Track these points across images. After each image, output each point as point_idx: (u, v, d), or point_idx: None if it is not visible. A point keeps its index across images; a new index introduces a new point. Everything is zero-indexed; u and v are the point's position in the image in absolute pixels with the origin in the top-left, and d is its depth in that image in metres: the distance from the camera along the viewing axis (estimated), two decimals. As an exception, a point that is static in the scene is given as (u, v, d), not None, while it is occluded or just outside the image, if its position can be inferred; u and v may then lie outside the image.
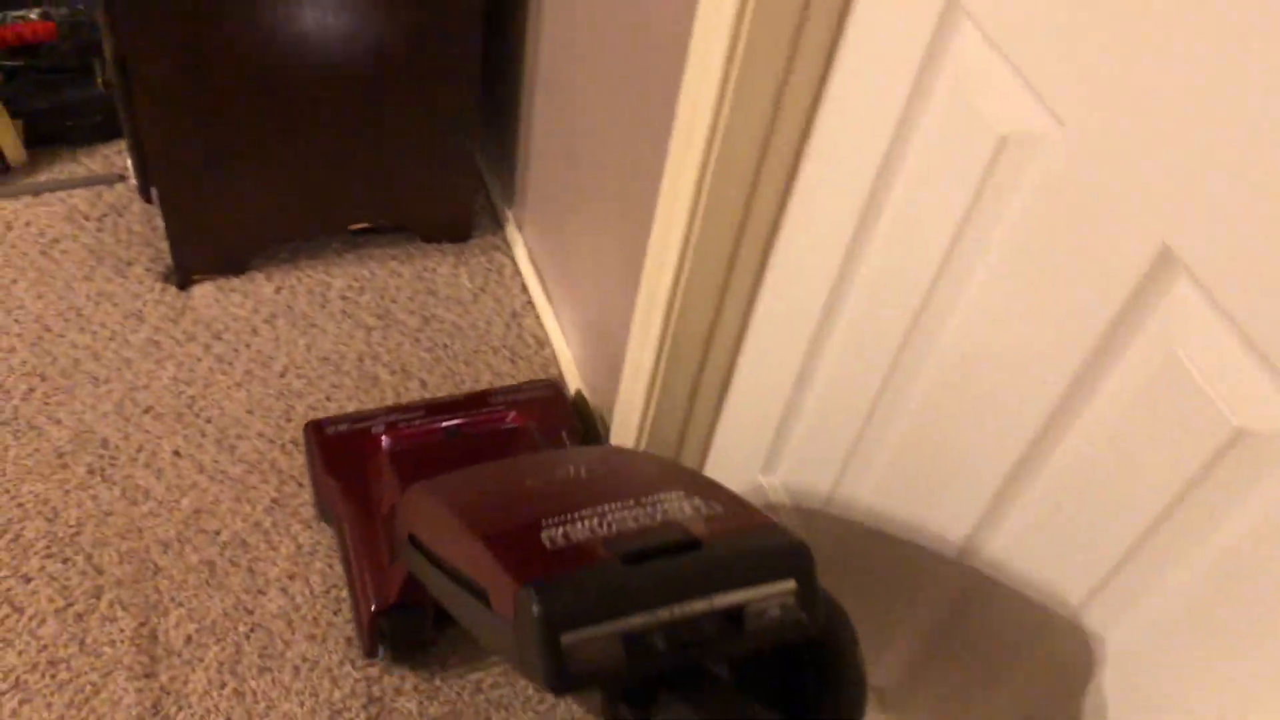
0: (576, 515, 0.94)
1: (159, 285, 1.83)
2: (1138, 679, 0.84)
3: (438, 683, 1.44)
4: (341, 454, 1.52)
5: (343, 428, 1.55)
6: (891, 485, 1.14)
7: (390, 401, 1.73)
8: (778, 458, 1.39)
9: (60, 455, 1.60)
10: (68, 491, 1.56)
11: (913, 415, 1.07)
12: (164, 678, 1.41)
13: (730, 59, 1.13)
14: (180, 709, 1.38)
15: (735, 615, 0.87)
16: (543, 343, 1.85)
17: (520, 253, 1.96)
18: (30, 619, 1.43)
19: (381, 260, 1.93)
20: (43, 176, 1.95)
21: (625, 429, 1.56)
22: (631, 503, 0.97)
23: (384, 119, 1.76)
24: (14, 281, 1.80)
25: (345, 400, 1.72)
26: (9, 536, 1.50)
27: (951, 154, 0.94)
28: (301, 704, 1.40)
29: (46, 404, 1.65)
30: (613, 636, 0.83)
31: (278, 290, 1.85)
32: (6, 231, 1.86)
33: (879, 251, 1.09)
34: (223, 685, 1.41)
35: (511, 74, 1.89)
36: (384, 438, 1.54)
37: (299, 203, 1.81)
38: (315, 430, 1.55)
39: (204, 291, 1.84)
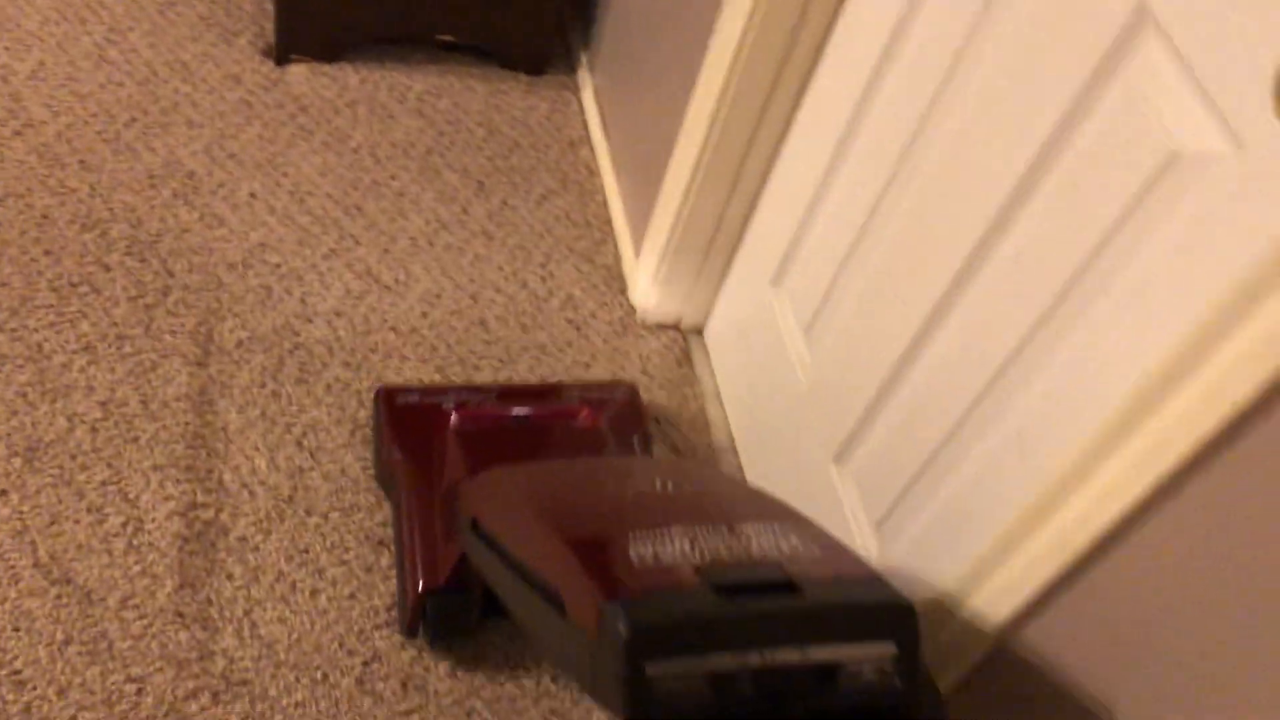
0: (666, 533, 0.88)
1: (259, 58, 2.01)
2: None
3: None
4: (409, 426, 1.48)
5: (413, 399, 1.51)
6: (879, 283, 1.28)
7: (453, 199, 1.89)
8: (785, 273, 1.55)
9: (151, 176, 1.78)
10: (153, 207, 1.74)
11: (905, 214, 1.22)
12: (213, 369, 1.58)
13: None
14: (223, 396, 1.55)
15: (828, 672, 0.81)
16: (593, 172, 2.01)
17: (587, 93, 2.12)
18: (106, 299, 1.61)
19: (461, 75, 2.10)
20: (167, -50, 2.13)
21: (656, 237, 1.72)
22: (724, 528, 0.91)
23: (488, -60, 1.92)
24: (130, 29, 1.98)
25: (409, 182, 1.89)
26: (97, 232, 1.68)
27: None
28: (329, 415, 1.57)
29: (144, 133, 1.83)
30: (700, 673, 0.77)
31: (363, 81, 2.02)
32: (129, -12, 2.04)
33: (890, 84, 1.24)
34: (263, 385, 1.58)
35: (609, -72, 2.05)
36: (453, 415, 1.49)
37: (395, 4, 1.98)
38: (386, 398, 1.51)
39: (298, 70, 2.01)
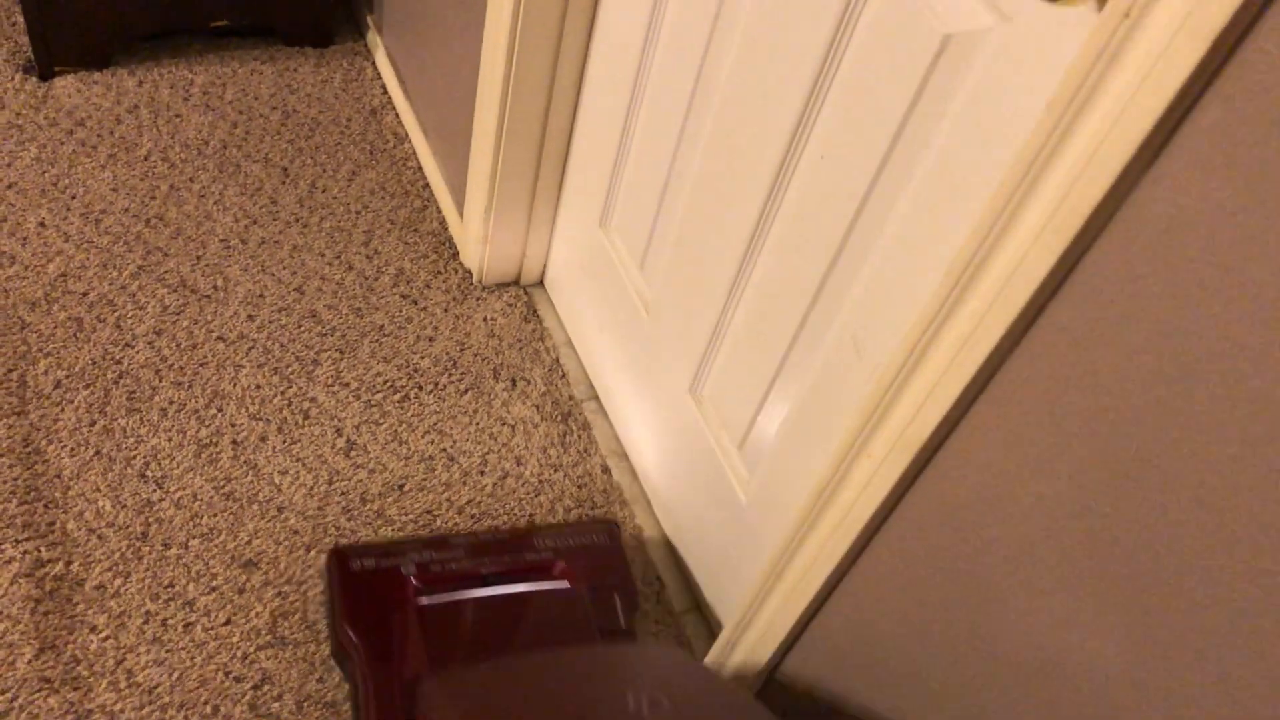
0: None
1: (19, 76, 1.86)
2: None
3: None
4: (365, 599, 1.35)
5: (369, 562, 1.37)
6: (695, 216, 1.28)
7: (259, 190, 1.80)
8: (610, 213, 1.52)
9: (-77, 224, 1.64)
10: (-69, 256, 1.61)
11: (708, 136, 1.21)
12: (34, 415, 1.48)
13: None
14: (50, 442, 1.46)
15: None
16: (401, 138, 1.95)
17: (380, 57, 2.04)
18: (-102, 365, 1.49)
19: (243, 60, 1.99)
20: (-106, -26, 1.95)
21: (477, 195, 1.67)
22: None
23: (242, -87, 1.81)
24: None
25: (209, 182, 1.79)
26: (-127, 294, 1.55)
27: None
28: (170, 440, 1.50)
29: (-94, 179, 1.69)
30: None
31: (140, 83, 1.90)
32: None
33: (672, 8, 1.22)
34: (92, 423, 1.49)
35: (370, -119, 1.96)
36: (413, 580, 1.36)
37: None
38: (339, 562, 1.37)
39: (66, 83, 1.87)
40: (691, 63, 1.21)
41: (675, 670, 1.09)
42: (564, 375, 1.69)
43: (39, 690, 1.27)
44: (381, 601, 1.35)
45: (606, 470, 1.60)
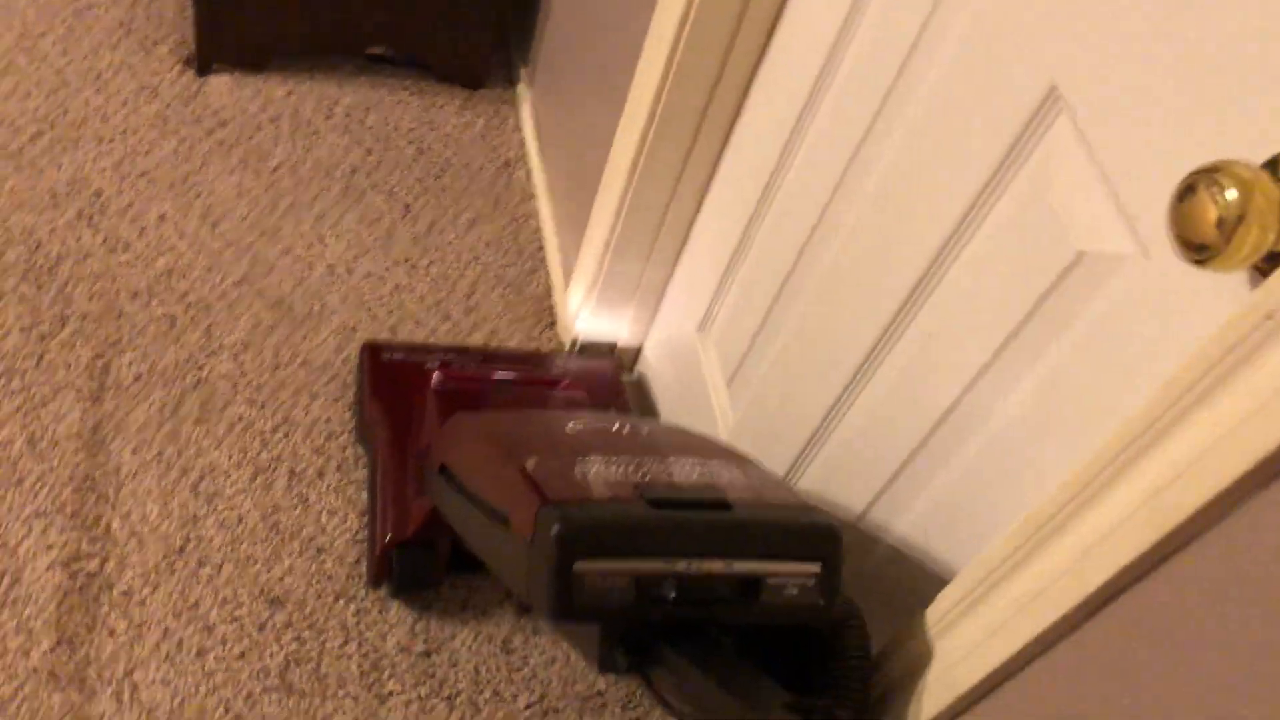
0: (613, 458, 0.92)
1: (179, 68, 1.91)
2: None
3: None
4: (390, 382, 1.50)
5: (398, 355, 1.53)
6: (794, 353, 1.22)
7: (377, 222, 1.81)
8: (711, 320, 1.47)
9: (54, 196, 1.69)
10: (54, 229, 1.65)
11: (820, 278, 1.15)
12: (108, 405, 1.50)
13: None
14: (117, 435, 1.47)
15: (752, 585, 0.85)
16: (528, 196, 1.93)
17: (525, 109, 2.03)
18: (-4, 329, 1.53)
19: (392, 89, 2.01)
20: (90, -51, 2.03)
21: (585, 270, 1.64)
22: (671, 459, 0.95)
23: (419, -50, 1.83)
24: (43, 35, 1.89)
25: (330, 205, 1.80)
26: (-9, 255, 1.60)
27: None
28: (229, 457, 1.49)
29: (51, 149, 1.74)
30: (626, 574, 0.80)
31: (288, 94, 1.93)
32: (45, -10, 1.94)
33: (811, 139, 1.17)
34: (160, 424, 1.50)
35: (551, -62, 1.97)
36: (436, 374, 1.50)
37: (326, 12, 1.88)
38: (371, 353, 1.53)
39: (220, 81, 1.92)
40: (818, 199, 1.16)
41: (652, 419, 1.23)
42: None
43: (46, 684, 1.27)
44: (405, 386, 1.49)
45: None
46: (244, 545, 1.42)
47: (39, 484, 1.41)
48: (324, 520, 1.46)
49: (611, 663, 0.87)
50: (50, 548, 1.37)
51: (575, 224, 1.74)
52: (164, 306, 1.61)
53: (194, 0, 1.82)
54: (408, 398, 1.48)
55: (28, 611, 1.31)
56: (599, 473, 0.89)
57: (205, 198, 1.75)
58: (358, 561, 1.44)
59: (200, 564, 1.40)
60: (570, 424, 1.07)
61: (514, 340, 1.72)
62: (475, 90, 2.05)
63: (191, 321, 1.61)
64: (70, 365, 1.52)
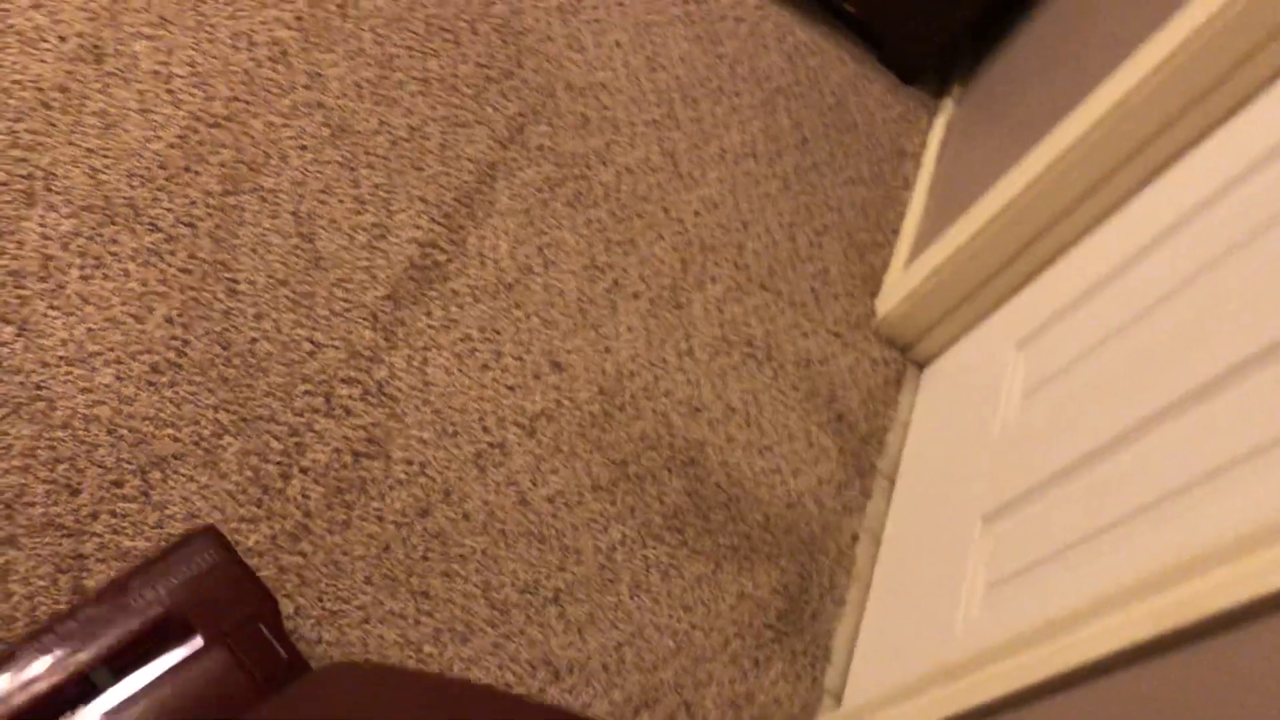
0: None
1: (684, -58, 2.14)
2: None
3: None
4: None
5: None
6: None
7: (775, 138, 1.96)
8: (1034, 341, 1.54)
9: (547, -16, 1.94)
10: (536, 7, 1.89)
11: (1157, 335, 1.20)
12: (510, 153, 1.71)
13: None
14: (504, 178, 1.68)
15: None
16: (906, 185, 2.05)
17: (941, 121, 2.15)
18: (459, 53, 1.77)
19: (840, 44, 2.17)
20: None
21: (928, 264, 1.74)
22: None
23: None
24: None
25: (746, 104, 1.97)
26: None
27: None
28: (575, 242, 1.68)
29: (562, -50, 2.00)
30: None
31: (758, 8, 2.13)
32: None
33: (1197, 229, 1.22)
34: (539, 189, 1.70)
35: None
36: None
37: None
38: None
39: (710, -31, 2.13)
40: (1181, 276, 1.22)
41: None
42: (881, 445, 1.72)
43: (366, 319, 1.47)
44: None
45: (855, 539, 1.61)
46: (556, 310, 1.60)
47: (433, 179, 1.63)
48: (618, 330, 1.62)
49: None
50: (418, 228, 1.58)
51: (934, 222, 1.84)
52: (585, 107, 1.82)
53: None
54: None
55: (380, 262, 1.53)
56: None
57: (656, 46, 1.96)
58: (628, 377, 1.58)
59: (516, 305, 1.58)
60: None
61: (837, 286, 1.84)
62: (906, 83, 2.19)
63: (599, 130, 1.81)
64: (497, 108, 1.74)
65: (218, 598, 1.06)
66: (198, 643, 1.00)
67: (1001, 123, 1.86)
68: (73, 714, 0.93)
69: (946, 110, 2.16)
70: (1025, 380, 1.49)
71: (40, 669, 0.95)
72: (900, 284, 1.81)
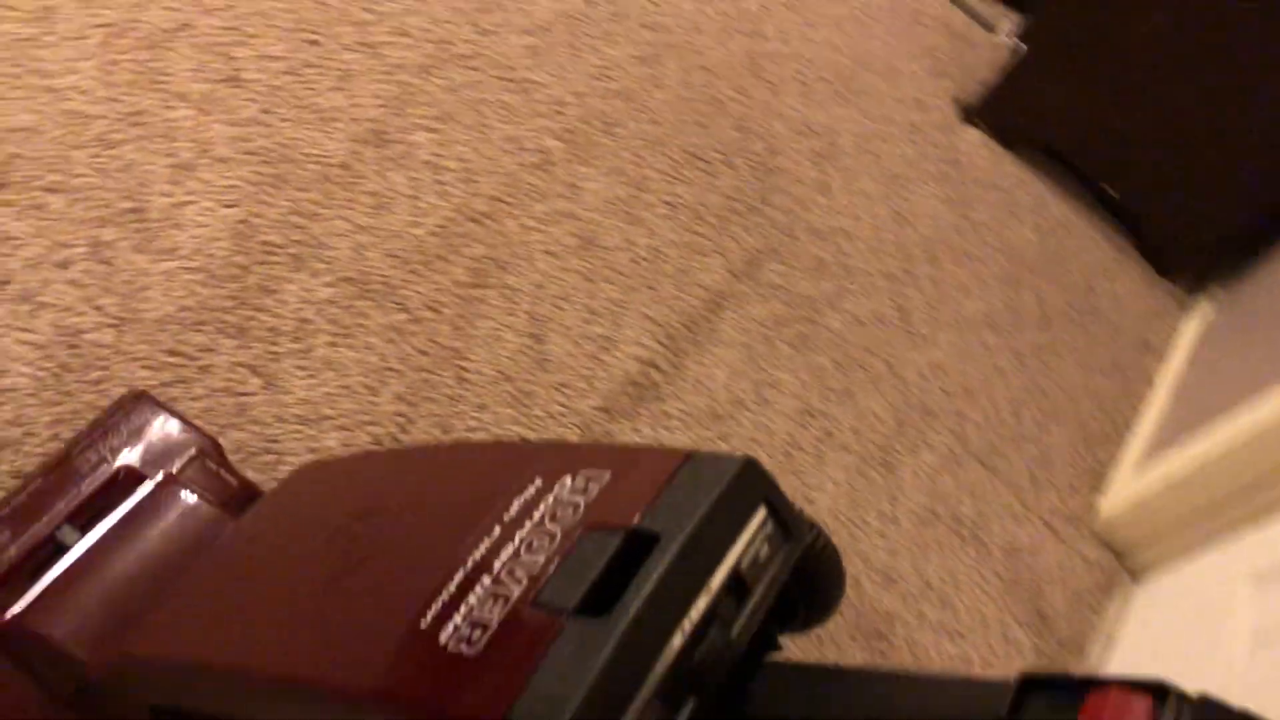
0: (460, 586, 0.63)
1: (949, 105, 2.14)
2: None
3: None
4: None
5: None
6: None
7: (1015, 312, 1.91)
8: (1273, 580, 1.41)
9: (807, 127, 1.97)
10: (793, 148, 1.93)
11: None
12: (743, 286, 1.73)
13: None
14: (732, 309, 1.70)
15: (738, 585, 0.64)
16: (1149, 384, 1.94)
17: (1194, 321, 2.04)
18: (709, 184, 1.81)
19: (1095, 227, 2.11)
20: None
21: (1168, 469, 1.63)
22: (502, 527, 0.67)
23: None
24: (868, 20, 2.19)
25: (990, 275, 1.93)
26: (742, 135, 1.89)
27: None
28: (792, 383, 1.66)
29: (826, 100, 2.03)
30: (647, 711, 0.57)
31: (1017, 177, 2.10)
32: (896, -6, 2.25)
33: None
34: (765, 326, 1.70)
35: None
36: None
37: (1078, 130, 2.02)
38: None
39: (973, 135, 2.12)
40: None
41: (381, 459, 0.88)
42: (1080, 655, 1.60)
43: (578, 424, 1.50)
44: None
45: None
46: (759, 450, 1.58)
47: (664, 300, 1.66)
48: (825, 483, 1.59)
49: None
50: (642, 345, 1.60)
51: (1176, 427, 1.73)
52: (823, 251, 1.82)
53: (1010, 71, 2.03)
54: None
55: (601, 374, 1.56)
56: (471, 619, 0.61)
57: (905, 201, 1.95)
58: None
59: (721, 438, 1.57)
60: (306, 557, 0.76)
61: (1059, 473, 1.75)
62: (1162, 274, 2.09)
63: (834, 275, 1.80)
64: (736, 240, 1.77)
65: (161, 446, 1.08)
66: (150, 487, 0.99)
67: (1266, 333, 1.75)
68: (48, 571, 0.91)
69: (1201, 309, 2.05)
70: (1258, 624, 1.36)
71: (3, 539, 0.97)
72: (1128, 485, 1.70)
